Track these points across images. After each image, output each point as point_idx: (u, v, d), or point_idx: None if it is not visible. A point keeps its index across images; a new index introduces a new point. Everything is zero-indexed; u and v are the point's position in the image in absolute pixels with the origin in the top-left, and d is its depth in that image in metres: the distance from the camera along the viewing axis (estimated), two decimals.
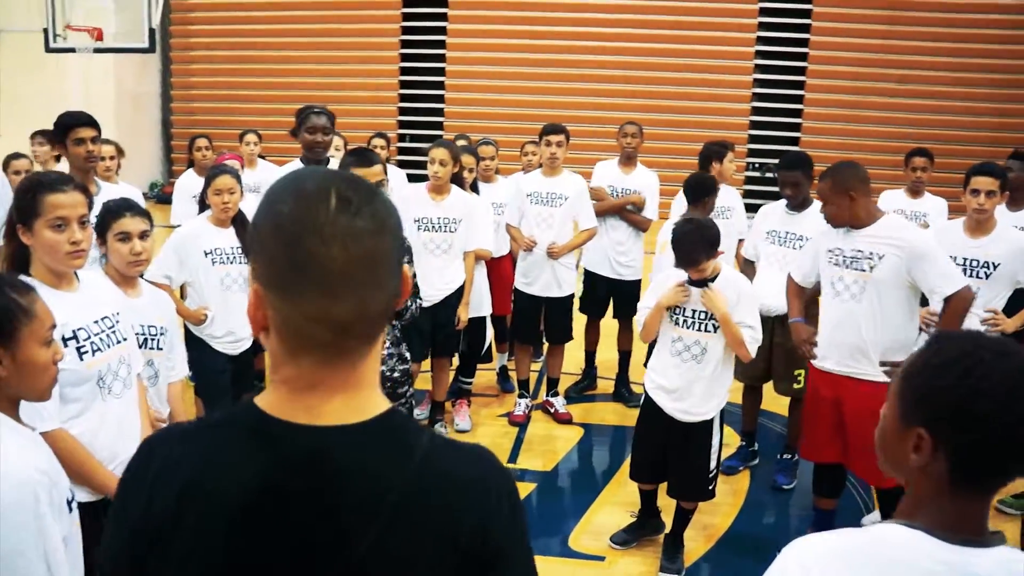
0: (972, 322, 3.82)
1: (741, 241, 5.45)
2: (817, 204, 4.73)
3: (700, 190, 4.91)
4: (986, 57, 13.39)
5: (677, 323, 3.83)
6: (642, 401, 4.06)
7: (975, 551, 1.24)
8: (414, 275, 3.53)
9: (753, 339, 3.77)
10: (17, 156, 5.91)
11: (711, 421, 3.86)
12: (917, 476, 1.31)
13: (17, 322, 1.80)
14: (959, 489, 1.27)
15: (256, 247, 1.09)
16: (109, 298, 2.59)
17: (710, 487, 3.92)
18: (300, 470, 1.07)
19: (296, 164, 4.65)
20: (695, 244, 3.68)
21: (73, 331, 2.36)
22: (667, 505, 4.11)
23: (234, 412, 1.17)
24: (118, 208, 2.92)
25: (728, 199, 5.52)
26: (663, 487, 4.07)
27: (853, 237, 3.72)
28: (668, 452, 3.90)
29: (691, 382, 3.81)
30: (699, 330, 3.79)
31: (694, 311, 3.80)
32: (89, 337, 2.41)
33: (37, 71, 13.46)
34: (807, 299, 4.19)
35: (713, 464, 3.90)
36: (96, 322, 2.45)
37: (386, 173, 3.76)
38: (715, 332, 3.76)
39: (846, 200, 3.67)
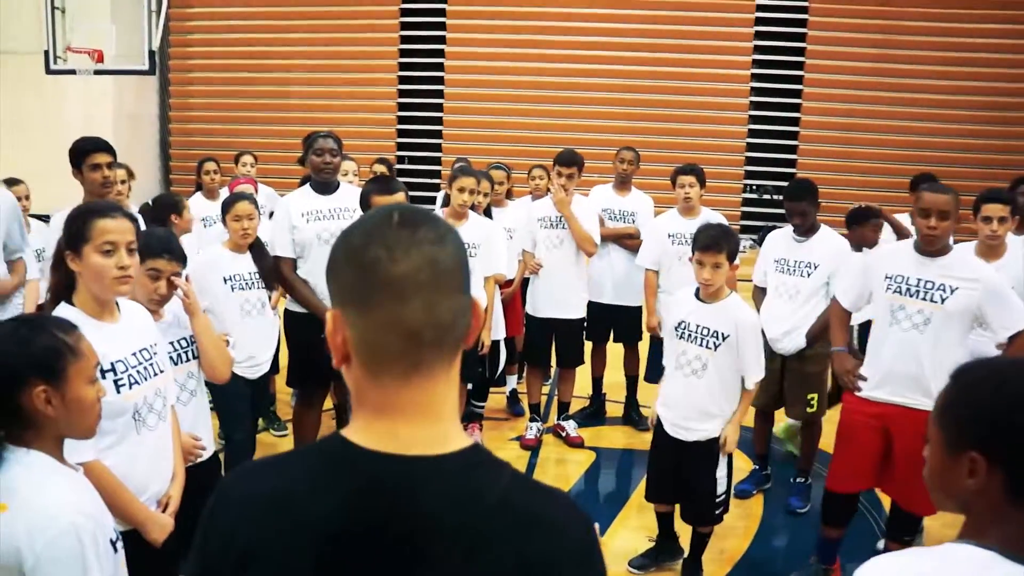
0: (988, 347, 3.83)
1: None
2: (825, 229, 4.79)
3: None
4: (985, 80, 13.53)
5: (683, 337, 3.86)
6: (655, 422, 4.08)
7: None
8: None
9: (758, 371, 3.82)
10: (14, 182, 5.78)
11: (714, 444, 3.83)
12: (975, 500, 1.32)
13: (66, 361, 1.81)
14: (1017, 502, 1.28)
15: (332, 275, 1.15)
16: (148, 329, 2.59)
17: (716, 512, 3.90)
18: (382, 500, 1.09)
19: (306, 190, 4.65)
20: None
21: (112, 364, 2.37)
22: (685, 529, 4.12)
23: (320, 442, 1.20)
24: (158, 251, 2.92)
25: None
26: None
27: (923, 266, 3.61)
28: (678, 475, 3.92)
29: (688, 396, 3.84)
30: (701, 346, 3.81)
31: (698, 326, 3.83)
32: (127, 370, 2.41)
33: (36, 92, 13.46)
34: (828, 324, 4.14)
35: (721, 489, 3.88)
36: (134, 354, 2.45)
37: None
38: (715, 350, 3.78)
39: (955, 222, 3.57)
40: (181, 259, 3.03)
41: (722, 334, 3.76)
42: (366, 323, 1.11)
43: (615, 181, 6.05)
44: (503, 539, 1.10)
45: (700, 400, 3.82)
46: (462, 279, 1.14)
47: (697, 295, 3.87)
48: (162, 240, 2.99)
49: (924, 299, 3.60)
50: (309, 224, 4.48)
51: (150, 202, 5.35)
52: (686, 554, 4.10)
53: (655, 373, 5.02)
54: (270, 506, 1.12)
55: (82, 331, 1.91)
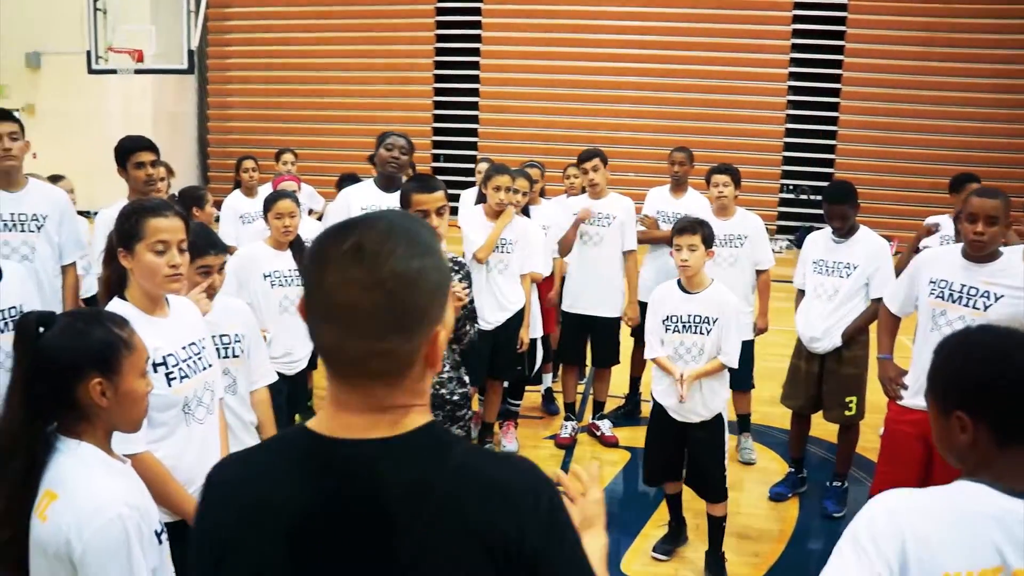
0: None
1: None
2: (864, 230, 4.74)
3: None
4: None
5: (677, 330, 4.03)
6: (652, 408, 4.22)
7: None
8: (471, 299, 3.54)
9: (730, 356, 3.98)
10: (58, 179, 5.91)
11: (719, 420, 4.04)
12: (969, 452, 1.58)
13: (121, 355, 1.85)
14: (1006, 449, 1.54)
15: (302, 273, 1.23)
16: (197, 324, 2.64)
17: (725, 486, 4.09)
18: (345, 479, 1.16)
19: (370, 184, 4.68)
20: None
21: (163, 357, 2.41)
22: (697, 524, 4.23)
23: (284, 433, 1.29)
24: (203, 248, 2.98)
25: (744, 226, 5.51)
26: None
27: (970, 271, 3.55)
28: (686, 455, 4.09)
29: (697, 388, 3.98)
30: (696, 333, 4.02)
31: (690, 315, 4.02)
32: (178, 363, 2.46)
33: (77, 91, 13.71)
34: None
35: (725, 463, 4.08)
36: (184, 348, 2.50)
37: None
38: (708, 335, 4.00)
39: (1005, 228, 3.52)
40: (224, 249, 3.13)
41: (712, 319, 3.99)
42: (317, 340, 1.18)
43: (671, 183, 5.99)
44: (463, 504, 1.14)
45: (708, 386, 4.01)
46: (391, 324, 1.13)
47: (680, 287, 4.06)
48: (205, 236, 3.04)
49: (966, 305, 3.53)
50: None
51: (176, 194, 5.47)
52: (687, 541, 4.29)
53: None
54: (239, 496, 1.20)
55: (134, 325, 1.96)
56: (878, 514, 1.53)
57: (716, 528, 4.11)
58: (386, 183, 4.61)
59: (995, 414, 1.54)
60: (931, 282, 3.65)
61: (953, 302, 3.57)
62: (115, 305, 2.41)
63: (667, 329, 4.06)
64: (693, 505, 4.31)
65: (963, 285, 3.56)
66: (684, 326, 4.02)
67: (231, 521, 1.19)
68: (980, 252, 3.53)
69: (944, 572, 1.48)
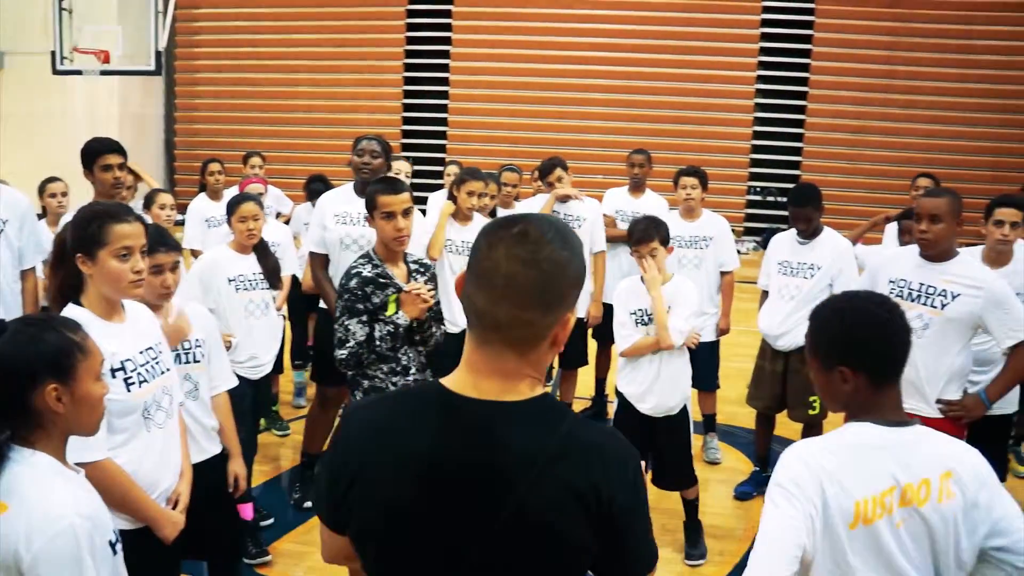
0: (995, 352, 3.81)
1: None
2: (828, 231, 4.80)
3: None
4: (991, 83, 13.50)
5: (644, 323, 4.13)
6: (617, 402, 4.30)
7: (903, 429, 1.87)
8: (437, 300, 3.54)
9: (678, 331, 4.04)
10: (52, 180, 5.86)
11: (685, 411, 4.19)
12: (852, 398, 1.90)
13: (75, 359, 1.83)
14: (878, 390, 1.88)
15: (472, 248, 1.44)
16: (152, 328, 2.62)
17: (693, 473, 4.30)
18: (467, 432, 1.37)
19: (348, 190, 4.64)
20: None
21: (121, 362, 2.39)
22: (675, 506, 4.34)
23: (423, 385, 1.57)
24: (153, 244, 2.94)
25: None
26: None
27: (926, 271, 3.61)
28: (652, 447, 4.15)
29: (658, 375, 4.10)
30: None
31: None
32: (136, 368, 2.44)
33: (42, 91, 13.51)
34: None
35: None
36: (142, 352, 2.48)
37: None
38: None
39: (954, 226, 3.57)
40: (176, 248, 3.06)
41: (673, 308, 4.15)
42: (467, 292, 1.40)
43: (629, 184, 6.06)
44: (568, 463, 1.36)
45: (672, 375, 4.11)
46: (537, 297, 1.35)
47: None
48: (155, 234, 2.99)
49: (924, 304, 3.59)
50: (336, 227, 4.48)
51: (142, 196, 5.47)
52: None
53: None
54: (380, 436, 1.42)
55: (92, 331, 1.94)
56: (793, 462, 1.83)
57: (691, 506, 4.34)
58: (362, 189, 4.52)
59: (871, 364, 1.87)
60: (890, 282, 3.72)
61: (912, 301, 3.63)
62: (71, 311, 2.37)
63: (637, 323, 4.14)
64: (660, 504, 4.34)
65: (921, 284, 3.62)
66: (650, 318, 4.11)
67: (369, 457, 1.40)
68: (928, 251, 3.60)
69: (855, 501, 1.78)
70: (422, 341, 3.49)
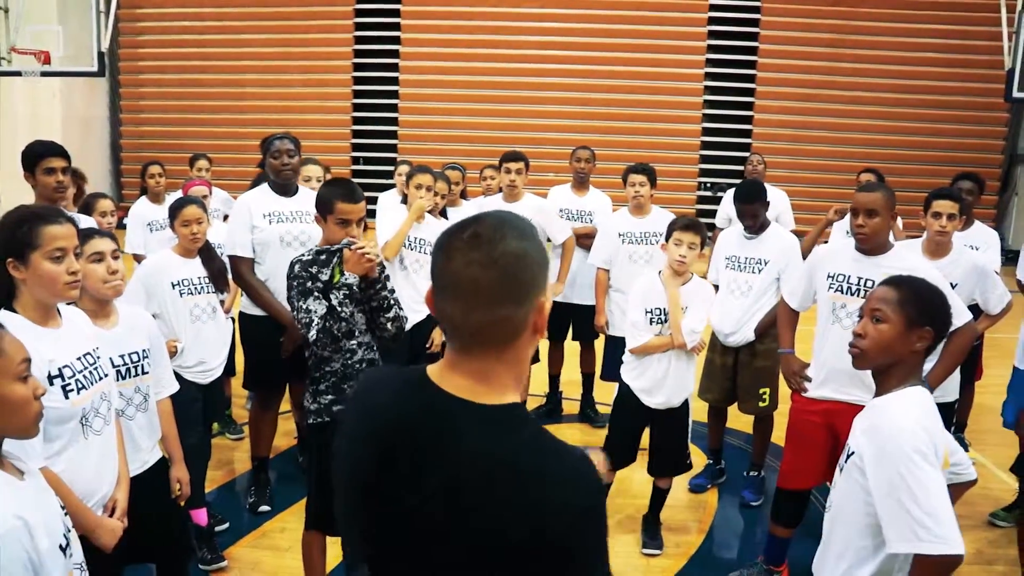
0: None
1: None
2: (774, 226, 4.87)
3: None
4: (935, 79, 13.82)
5: (661, 321, 4.23)
6: (618, 392, 4.34)
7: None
8: (392, 291, 3.55)
9: (691, 332, 4.18)
10: (100, 196, 5.45)
11: (686, 405, 4.32)
12: (911, 357, 2.35)
13: None
14: (926, 356, 2.40)
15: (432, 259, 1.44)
16: (90, 333, 2.55)
17: (688, 460, 4.43)
18: (431, 417, 1.39)
19: (266, 190, 4.60)
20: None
21: (59, 369, 2.33)
22: (642, 491, 4.40)
23: (412, 369, 1.53)
24: (88, 231, 2.87)
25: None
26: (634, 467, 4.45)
27: (863, 264, 3.67)
28: (650, 435, 4.32)
29: (667, 373, 4.21)
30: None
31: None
32: (74, 375, 2.37)
33: None
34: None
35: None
36: (79, 359, 2.41)
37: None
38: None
39: (889, 219, 3.65)
40: (109, 235, 2.98)
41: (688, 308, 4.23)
42: (439, 307, 1.41)
43: (573, 181, 6.09)
44: (511, 474, 1.31)
45: (679, 372, 4.23)
46: (505, 295, 1.36)
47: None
48: (86, 229, 2.92)
49: (863, 297, 3.61)
50: (272, 225, 4.45)
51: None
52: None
53: (611, 371, 5.06)
54: (360, 404, 1.53)
55: (26, 337, 1.88)
56: (919, 431, 2.18)
57: (660, 497, 4.45)
58: (282, 189, 4.57)
59: (940, 335, 2.35)
60: (829, 276, 3.78)
61: (852, 295, 3.69)
62: (4, 318, 2.29)
63: (652, 321, 4.22)
64: (635, 502, 4.37)
65: (860, 278, 3.68)
66: (667, 316, 4.22)
67: (354, 418, 1.51)
68: (864, 244, 3.67)
69: (943, 453, 2.24)
70: (380, 307, 3.48)
